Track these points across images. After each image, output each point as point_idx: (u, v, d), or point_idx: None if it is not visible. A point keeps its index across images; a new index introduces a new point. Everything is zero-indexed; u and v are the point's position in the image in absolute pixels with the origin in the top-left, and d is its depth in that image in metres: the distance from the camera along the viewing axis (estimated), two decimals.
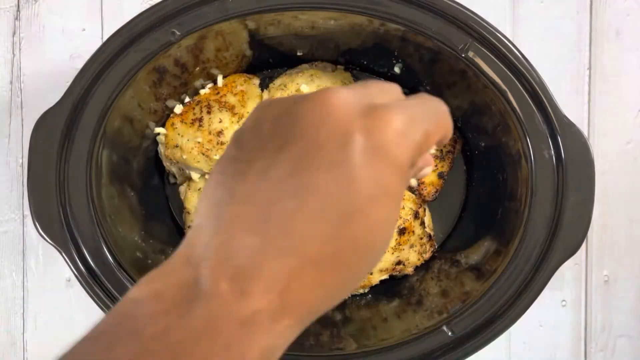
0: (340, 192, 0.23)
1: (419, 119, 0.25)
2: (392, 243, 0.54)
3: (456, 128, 0.57)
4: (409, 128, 0.24)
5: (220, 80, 0.56)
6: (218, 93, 0.55)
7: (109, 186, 0.49)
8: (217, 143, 0.54)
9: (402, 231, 0.54)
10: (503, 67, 0.46)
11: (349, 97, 0.25)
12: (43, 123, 0.46)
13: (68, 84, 0.46)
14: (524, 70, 0.45)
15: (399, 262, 0.56)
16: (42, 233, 0.45)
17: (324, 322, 0.54)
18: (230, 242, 0.23)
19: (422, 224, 0.56)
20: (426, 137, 0.25)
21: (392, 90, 0.27)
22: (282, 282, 0.22)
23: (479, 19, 0.45)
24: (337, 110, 0.24)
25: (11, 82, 0.62)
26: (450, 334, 0.46)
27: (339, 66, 0.58)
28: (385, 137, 0.24)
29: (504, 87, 0.46)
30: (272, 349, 0.22)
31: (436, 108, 0.27)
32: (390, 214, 0.24)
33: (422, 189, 0.56)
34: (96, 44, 0.47)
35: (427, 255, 0.58)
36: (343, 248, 0.23)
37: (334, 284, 0.23)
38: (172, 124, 0.55)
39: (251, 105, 0.55)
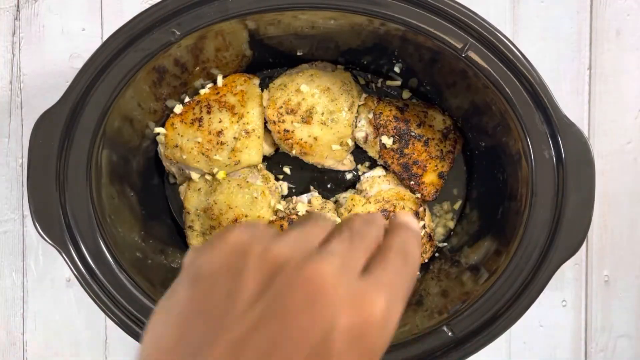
0: None
1: (400, 297, 0.25)
2: None
3: (456, 128, 0.57)
4: (390, 316, 0.24)
5: (220, 80, 0.56)
6: (218, 93, 0.55)
7: (109, 186, 0.49)
8: (217, 143, 0.54)
9: None
10: (503, 67, 0.46)
11: (337, 276, 0.23)
12: (43, 123, 0.46)
13: (68, 84, 0.46)
14: (524, 70, 0.45)
15: None
16: (42, 233, 0.45)
17: None
18: None
19: (423, 224, 0.56)
20: (403, 308, 0.25)
21: (371, 235, 0.27)
22: None
23: (479, 19, 0.45)
24: (323, 297, 0.23)
25: (11, 82, 0.62)
26: (450, 334, 0.46)
27: (339, 66, 0.58)
28: (368, 329, 0.23)
29: (504, 87, 0.46)
30: None
31: (415, 263, 0.27)
32: None
33: (422, 189, 0.56)
34: (96, 44, 0.47)
35: (427, 255, 0.58)
36: None
37: None
38: (172, 124, 0.55)
39: (251, 105, 0.55)
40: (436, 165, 0.56)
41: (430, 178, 0.56)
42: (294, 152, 0.56)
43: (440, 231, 0.60)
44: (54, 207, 0.46)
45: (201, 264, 0.25)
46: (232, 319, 0.22)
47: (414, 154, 0.55)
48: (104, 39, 0.47)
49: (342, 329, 0.22)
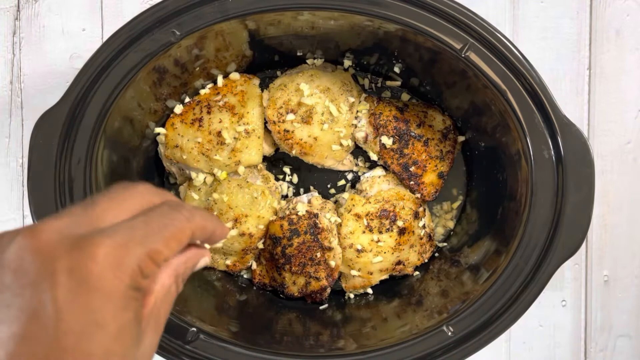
0: (46, 336, 0.23)
1: (136, 242, 0.25)
2: (392, 243, 0.54)
3: (456, 128, 0.57)
4: (120, 256, 0.24)
5: (220, 80, 0.56)
6: (218, 93, 0.55)
7: (109, 186, 0.49)
8: (217, 143, 0.54)
9: (402, 231, 0.54)
10: (503, 67, 0.46)
11: (59, 230, 0.24)
12: (43, 123, 0.46)
13: (68, 84, 0.46)
14: (523, 70, 0.45)
15: (399, 262, 0.56)
16: None
17: (324, 322, 0.54)
18: None
19: (422, 224, 0.56)
20: (151, 255, 0.25)
21: (128, 203, 0.28)
22: None
23: (479, 19, 0.45)
24: (41, 251, 0.24)
25: (11, 82, 0.62)
26: (450, 333, 0.46)
27: (338, 66, 0.58)
28: (89, 271, 0.23)
29: (503, 87, 0.46)
30: None
31: (167, 223, 0.27)
32: (111, 344, 0.24)
33: (422, 189, 0.56)
34: (96, 44, 0.47)
35: (427, 255, 0.58)
36: None
37: None
38: (172, 124, 0.55)
39: (251, 105, 0.55)
40: (436, 165, 0.56)
41: (430, 178, 0.56)
42: (294, 152, 0.56)
43: (440, 231, 0.60)
44: (54, 208, 0.46)
45: None
46: None
47: (413, 154, 0.55)
48: (104, 39, 0.47)
49: (61, 279, 0.23)
